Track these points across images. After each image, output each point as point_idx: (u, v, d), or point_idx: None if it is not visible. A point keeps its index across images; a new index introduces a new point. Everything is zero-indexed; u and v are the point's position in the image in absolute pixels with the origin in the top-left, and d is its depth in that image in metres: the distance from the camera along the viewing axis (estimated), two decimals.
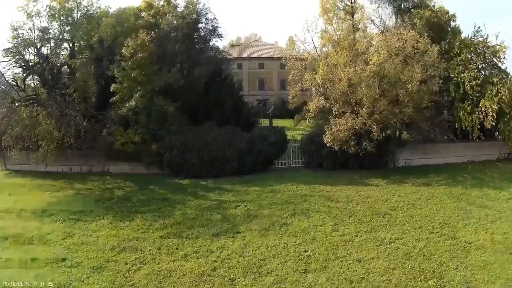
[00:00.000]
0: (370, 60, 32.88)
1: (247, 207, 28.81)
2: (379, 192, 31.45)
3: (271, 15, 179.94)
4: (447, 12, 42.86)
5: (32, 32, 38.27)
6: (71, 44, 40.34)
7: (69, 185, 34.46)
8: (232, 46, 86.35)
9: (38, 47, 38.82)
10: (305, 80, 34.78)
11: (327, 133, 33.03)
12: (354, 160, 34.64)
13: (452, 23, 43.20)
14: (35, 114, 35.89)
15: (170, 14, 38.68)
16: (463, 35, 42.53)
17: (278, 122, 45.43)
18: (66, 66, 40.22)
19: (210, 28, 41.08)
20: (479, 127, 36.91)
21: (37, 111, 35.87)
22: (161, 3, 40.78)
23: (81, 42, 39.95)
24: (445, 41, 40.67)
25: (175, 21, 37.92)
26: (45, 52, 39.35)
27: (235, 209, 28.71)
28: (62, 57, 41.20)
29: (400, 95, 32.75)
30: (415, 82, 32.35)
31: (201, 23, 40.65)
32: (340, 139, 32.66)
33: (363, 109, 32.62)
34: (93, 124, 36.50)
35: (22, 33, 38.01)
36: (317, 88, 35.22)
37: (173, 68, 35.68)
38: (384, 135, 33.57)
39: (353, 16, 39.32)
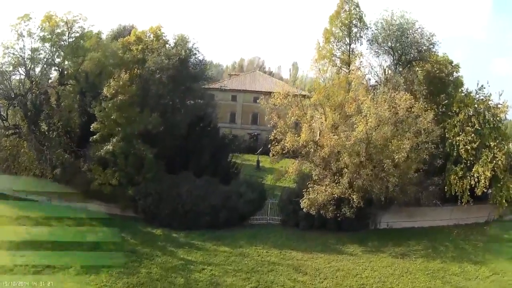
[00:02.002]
0: (357, 126, 32.97)
1: (212, 272, 29.70)
2: (351, 263, 31.94)
3: (277, 36, 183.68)
4: (451, 62, 42.79)
5: (22, 52, 39.30)
6: (60, 70, 41.16)
7: (45, 220, 35.19)
8: (230, 75, 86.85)
9: (28, 68, 39.71)
10: (287, 141, 35.05)
11: (305, 197, 33.48)
12: (332, 222, 34.98)
13: (454, 74, 43.02)
14: (16, 144, 37.13)
15: (158, 51, 39.13)
16: (465, 87, 42.91)
17: (266, 161, 45.72)
18: (54, 91, 41.02)
19: (197, 70, 41.54)
20: (469, 193, 36.88)
21: (18, 143, 37.07)
22: (152, 37, 41.25)
23: (70, 70, 40.66)
24: (445, 93, 40.87)
25: (163, 58, 38.32)
26: (34, 73, 40.22)
27: (200, 272, 29.61)
28: (50, 81, 42.11)
29: (385, 164, 32.81)
30: (403, 154, 32.47)
31: (189, 62, 41.06)
32: (318, 204, 33.08)
33: (344, 178, 32.91)
34: (73, 159, 37.36)
35: (13, 53, 38.92)
36: (299, 149, 35.45)
37: (154, 112, 36.17)
38: (366, 198, 33.96)
39: (349, 66, 39.39)
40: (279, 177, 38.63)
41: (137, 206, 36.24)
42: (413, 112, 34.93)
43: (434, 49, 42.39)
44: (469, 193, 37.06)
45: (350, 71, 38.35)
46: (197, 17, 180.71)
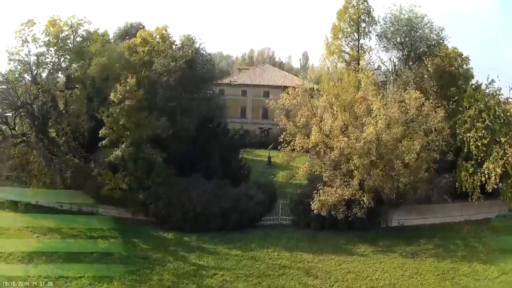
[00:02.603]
0: (367, 128, 33.15)
1: (223, 277, 30.53)
2: (362, 265, 32.51)
3: (286, 25, 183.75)
4: (460, 55, 42.60)
5: (28, 58, 39.61)
6: (67, 74, 41.40)
7: (56, 227, 35.97)
8: (239, 69, 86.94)
9: (34, 73, 40.01)
10: (296, 143, 35.55)
11: (315, 199, 34.00)
12: (343, 222, 35.36)
13: (464, 66, 42.94)
14: (24, 153, 37.84)
15: (165, 54, 39.35)
16: (475, 79, 42.92)
17: (278, 156, 45.71)
18: (62, 95, 41.40)
19: (205, 70, 41.69)
20: (479, 190, 36.97)
21: (26, 151, 37.83)
22: (158, 38, 41.38)
23: (76, 74, 40.85)
24: (456, 86, 40.86)
25: (170, 61, 38.56)
26: (41, 78, 40.46)
27: (211, 278, 30.45)
28: (58, 85, 42.35)
29: (396, 166, 33.16)
30: (414, 155, 32.79)
31: (197, 63, 41.15)
32: (329, 206, 33.60)
33: (354, 180, 33.41)
34: (83, 164, 37.91)
35: (19, 59, 39.25)
36: (310, 150, 35.91)
37: (162, 116, 36.62)
38: (376, 197, 34.34)
39: (358, 63, 39.41)
40: (289, 177, 39.05)
41: (148, 210, 36.96)
42: (423, 110, 35.06)
43: (443, 43, 42.07)
44: (479, 190, 37.12)
45: (359, 68, 38.22)
46: (206, 7, 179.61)
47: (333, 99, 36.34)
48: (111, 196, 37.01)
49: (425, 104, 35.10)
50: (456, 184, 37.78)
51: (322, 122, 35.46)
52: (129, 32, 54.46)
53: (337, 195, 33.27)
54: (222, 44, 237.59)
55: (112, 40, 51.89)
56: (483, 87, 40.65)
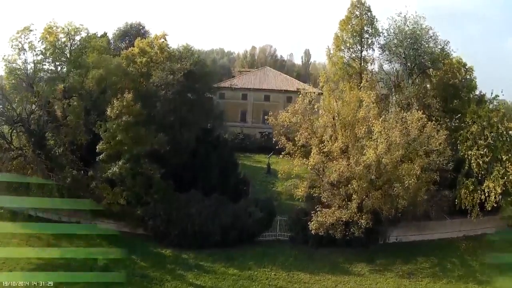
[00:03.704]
0: (368, 151, 33.60)
1: None
2: (358, 285, 33.39)
3: (288, 21, 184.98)
4: (464, 65, 42.78)
5: (25, 66, 39.87)
6: (64, 85, 41.52)
7: (56, 241, 36.44)
8: (240, 71, 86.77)
9: (31, 82, 40.16)
10: (295, 165, 36.20)
11: (313, 219, 34.70)
12: (341, 239, 35.92)
13: (468, 77, 43.23)
14: (22, 167, 38.51)
15: (163, 66, 39.54)
16: (478, 91, 43.47)
17: (278, 162, 45.87)
18: (60, 104, 41.69)
19: (204, 79, 41.89)
20: (479, 207, 37.45)
21: (24, 166, 38.52)
22: (156, 48, 41.49)
23: (73, 84, 40.98)
24: (459, 98, 41.14)
25: (168, 73, 38.77)
26: (38, 86, 40.66)
27: None
28: (56, 92, 42.56)
29: (395, 188, 33.74)
30: (414, 179, 33.28)
31: (196, 75, 41.22)
32: (327, 226, 34.25)
33: (353, 203, 34.03)
34: (81, 177, 38.40)
35: (16, 68, 39.51)
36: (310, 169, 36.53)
37: (160, 131, 37.02)
38: (374, 218, 34.94)
39: (361, 77, 39.59)
40: (289, 193, 39.62)
41: (147, 225, 37.66)
42: (425, 132, 35.52)
43: (448, 57, 42.22)
44: (478, 207, 37.72)
45: (361, 86, 38.27)
46: (209, 4, 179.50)
47: (333, 118, 36.69)
48: (110, 210, 37.56)
49: (427, 125, 35.52)
50: (456, 200, 38.37)
51: (322, 144, 35.79)
52: (128, 32, 54.55)
53: (335, 216, 33.92)
54: (224, 41, 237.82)
55: (112, 41, 51.99)
56: (486, 99, 41.01)
